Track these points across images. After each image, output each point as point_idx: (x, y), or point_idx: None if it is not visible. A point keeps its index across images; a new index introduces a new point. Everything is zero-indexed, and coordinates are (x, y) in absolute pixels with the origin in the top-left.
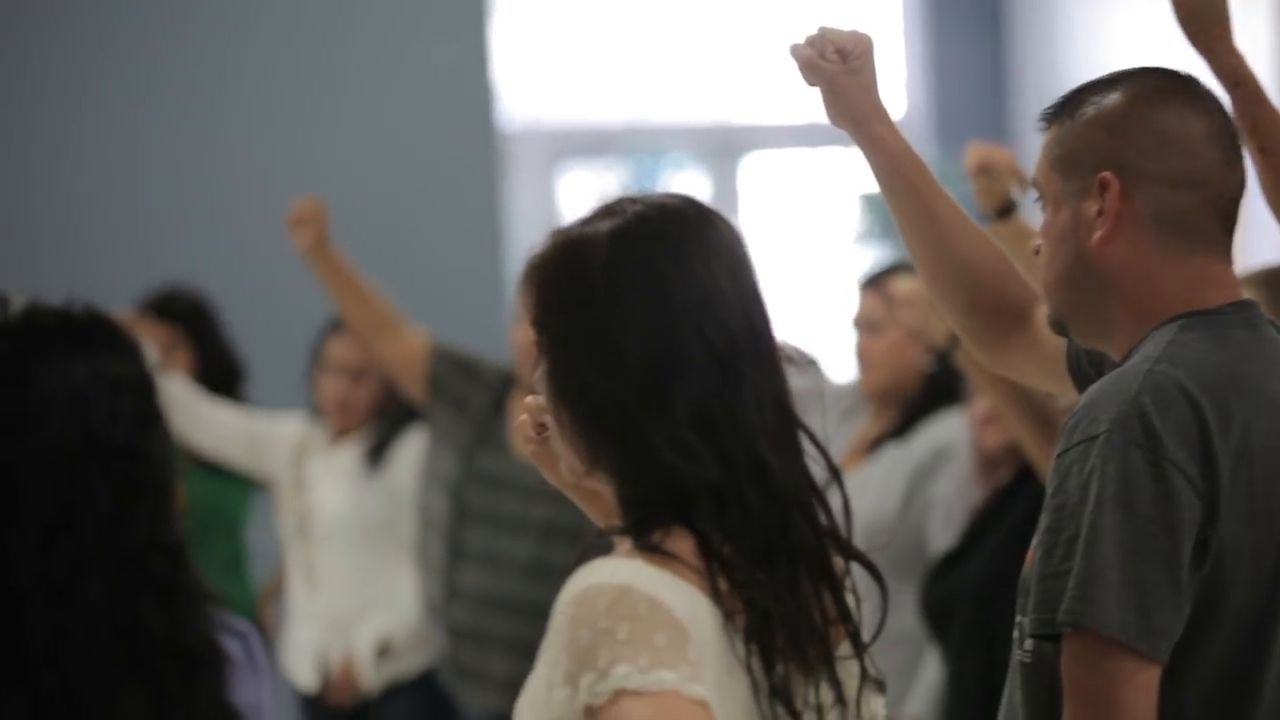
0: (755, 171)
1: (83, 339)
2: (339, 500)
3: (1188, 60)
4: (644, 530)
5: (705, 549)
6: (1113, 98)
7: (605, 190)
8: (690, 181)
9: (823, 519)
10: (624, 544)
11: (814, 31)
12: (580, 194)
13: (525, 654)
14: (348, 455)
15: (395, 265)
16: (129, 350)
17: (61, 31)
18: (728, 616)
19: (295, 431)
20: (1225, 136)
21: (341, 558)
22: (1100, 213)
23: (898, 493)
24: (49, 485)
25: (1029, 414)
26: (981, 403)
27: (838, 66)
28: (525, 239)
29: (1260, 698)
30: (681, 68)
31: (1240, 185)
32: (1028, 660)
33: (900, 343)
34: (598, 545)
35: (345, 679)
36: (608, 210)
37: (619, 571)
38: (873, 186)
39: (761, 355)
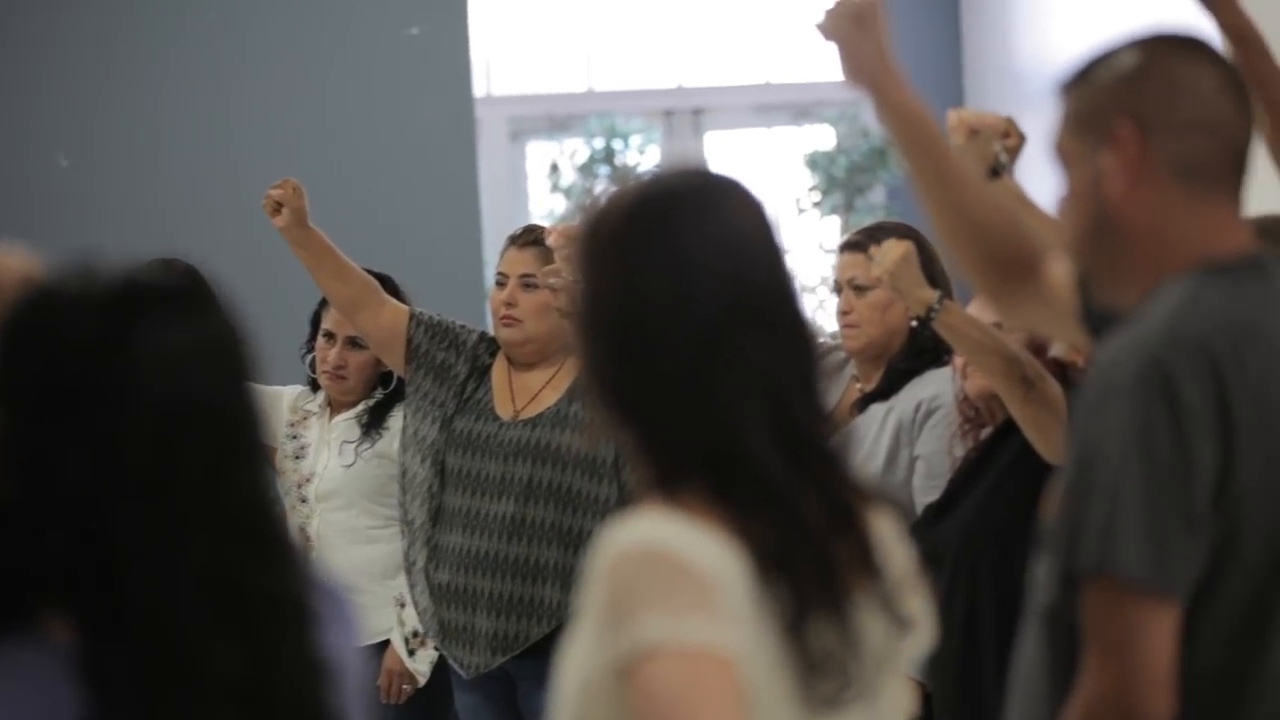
0: (714, 146)
1: (176, 302)
2: (336, 466)
3: (1135, 28)
4: (665, 483)
5: (717, 500)
6: (1126, 57)
7: (569, 163)
8: (649, 156)
9: (842, 470)
10: (649, 497)
11: (830, 4)
12: (544, 166)
13: (509, 611)
14: (345, 422)
15: (375, 234)
16: (222, 311)
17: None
18: (749, 564)
19: (294, 399)
20: (1236, 87)
21: (338, 522)
22: (1118, 163)
23: (883, 451)
24: (148, 449)
25: (1010, 377)
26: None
27: (853, 30)
28: (492, 208)
29: (1275, 638)
30: (642, 43)
31: (1251, 134)
32: (1048, 607)
33: (885, 302)
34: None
35: (395, 684)
36: (635, 184)
37: (646, 529)
38: (816, 148)
39: (768, 320)
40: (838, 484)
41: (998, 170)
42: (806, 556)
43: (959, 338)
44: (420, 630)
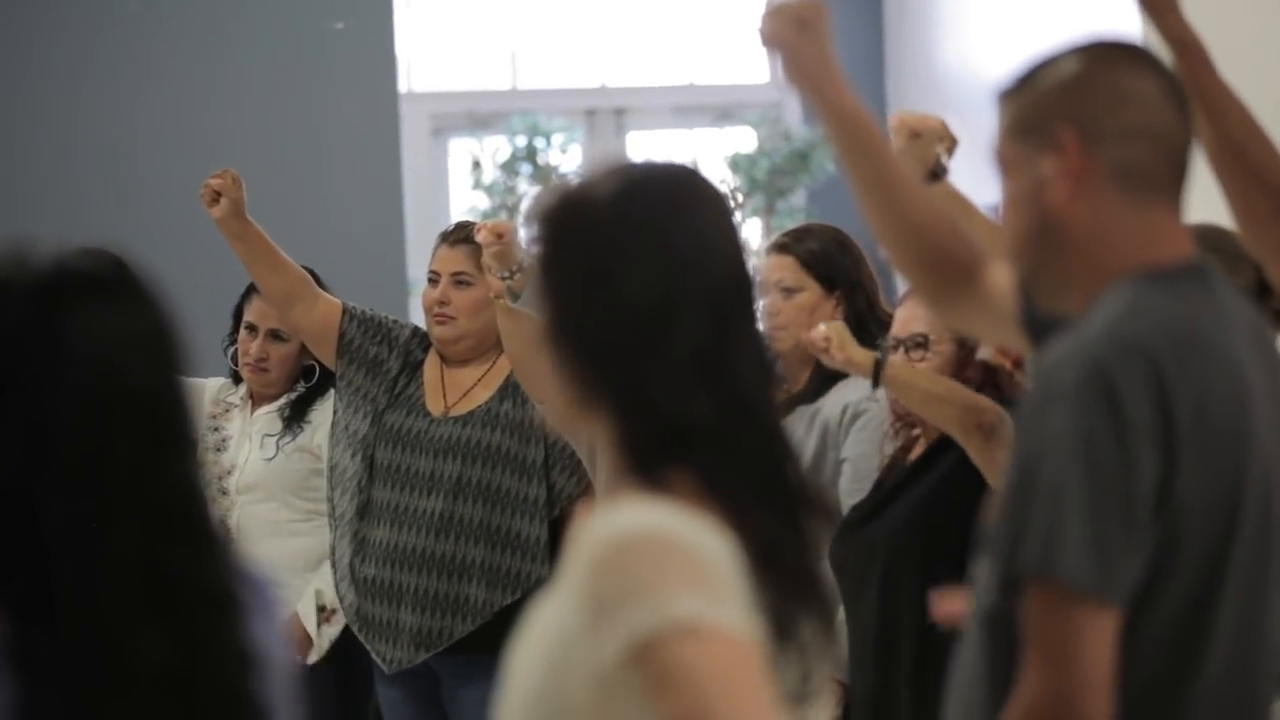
0: (637, 146)
1: (108, 289)
2: (257, 459)
3: (1057, 33)
4: (648, 469)
5: (707, 485)
6: (1067, 64)
7: (491, 160)
8: (572, 156)
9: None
10: (627, 483)
11: (771, 6)
12: (466, 163)
13: (434, 607)
14: (267, 415)
15: (299, 228)
16: (154, 300)
17: None
18: (742, 556)
19: (216, 391)
20: (1177, 94)
21: (259, 515)
22: (1060, 169)
23: (809, 453)
24: (78, 436)
25: (965, 426)
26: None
27: (795, 32)
28: (414, 205)
29: (1212, 643)
30: (566, 42)
31: (1192, 141)
32: (988, 611)
33: (812, 304)
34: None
35: (294, 646)
36: (613, 170)
37: (641, 515)
38: (737, 150)
39: (747, 308)
40: (798, 475)
41: (938, 173)
42: (796, 551)
43: (907, 391)
44: (330, 606)
